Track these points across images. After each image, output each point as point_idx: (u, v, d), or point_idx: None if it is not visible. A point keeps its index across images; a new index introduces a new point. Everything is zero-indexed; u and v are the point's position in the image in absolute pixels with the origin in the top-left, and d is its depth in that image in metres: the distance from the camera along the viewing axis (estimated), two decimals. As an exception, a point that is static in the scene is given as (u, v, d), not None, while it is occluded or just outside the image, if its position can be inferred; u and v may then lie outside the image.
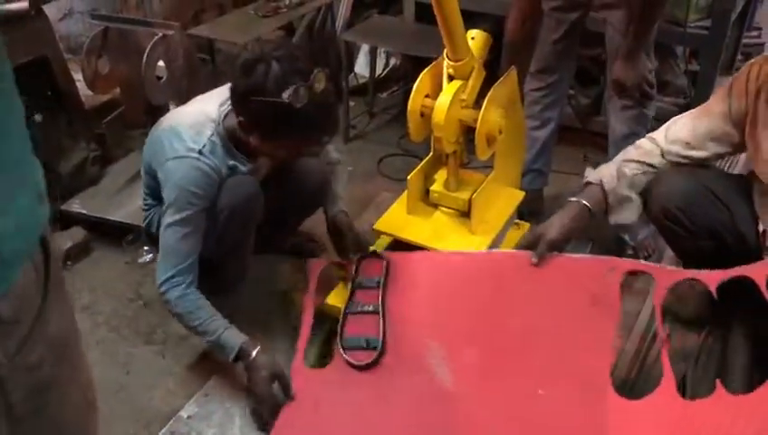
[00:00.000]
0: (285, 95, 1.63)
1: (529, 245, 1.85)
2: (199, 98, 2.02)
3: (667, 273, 1.62)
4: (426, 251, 1.95)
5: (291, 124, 1.70)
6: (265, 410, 1.79)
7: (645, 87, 2.41)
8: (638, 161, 1.87)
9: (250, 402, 1.84)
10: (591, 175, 1.90)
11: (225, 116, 1.89)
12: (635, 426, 1.59)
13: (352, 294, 1.95)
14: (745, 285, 1.87)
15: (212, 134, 1.87)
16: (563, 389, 1.65)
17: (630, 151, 1.92)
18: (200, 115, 1.90)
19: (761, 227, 1.83)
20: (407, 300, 1.88)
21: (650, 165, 1.85)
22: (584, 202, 1.84)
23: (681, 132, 1.84)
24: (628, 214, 1.87)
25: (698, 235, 1.88)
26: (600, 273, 1.62)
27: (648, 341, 2.04)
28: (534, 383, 1.68)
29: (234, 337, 1.80)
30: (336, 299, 2.02)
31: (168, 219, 1.84)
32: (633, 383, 1.89)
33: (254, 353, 1.79)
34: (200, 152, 1.84)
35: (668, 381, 1.60)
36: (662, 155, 1.84)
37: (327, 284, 2.09)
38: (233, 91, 1.78)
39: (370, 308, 1.90)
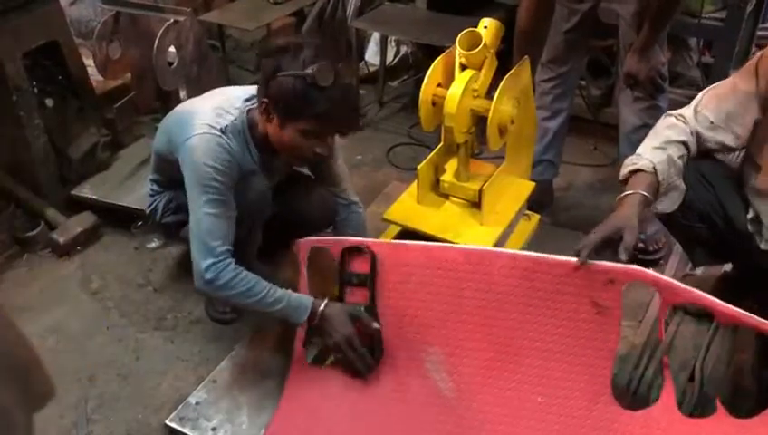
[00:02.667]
0: (311, 69, 1.67)
1: (598, 249, 1.56)
2: (219, 90, 2.00)
3: (671, 290, 1.50)
4: (417, 243, 1.80)
5: (313, 101, 1.69)
6: (355, 350, 1.78)
7: (657, 80, 2.39)
8: (678, 142, 1.72)
9: (335, 354, 1.83)
10: (640, 161, 1.67)
11: (250, 111, 1.87)
12: None
13: (340, 291, 1.86)
14: (750, 279, 1.87)
15: (235, 119, 1.84)
16: (563, 398, 1.64)
17: (666, 132, 1.76)
18: (224, 102, 1.88)
19: (750, 214, 1.82)
20: (399, 298, 1.78)
21: (687, 147, 1.73)
22: (645, 193, 1.62)
23: (707, 110, 1.76)
24: (672, 202, 1.73)
25: (690, 218, 1.86)
26: (601, 281, 1.53)
27: (658, 333, 2.04)
28: (534, 391, 1.66)
29: (302, 297, 1.80)
30: None
31: (195, 203, 1.77)
32: (640, 378, 1.90)
33: (322, 306, 1.78)
34: (222, 131, 1.80)
35: (669, 395, 1.58)
36: (691, 133, 1.75)
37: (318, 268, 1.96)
38: (261, 72, 1.78)
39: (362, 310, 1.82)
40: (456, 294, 1.70)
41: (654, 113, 2.48)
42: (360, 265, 1.81)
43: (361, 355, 1.79)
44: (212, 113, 1.84)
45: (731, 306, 1.44)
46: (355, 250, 1.81)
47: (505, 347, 1.67)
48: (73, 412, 1.91)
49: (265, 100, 1.76)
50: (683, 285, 1.49)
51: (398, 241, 1.86)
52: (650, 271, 1.53)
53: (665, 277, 1.52)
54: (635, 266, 1.51)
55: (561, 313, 1.60)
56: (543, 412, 1.64)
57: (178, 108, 1.99)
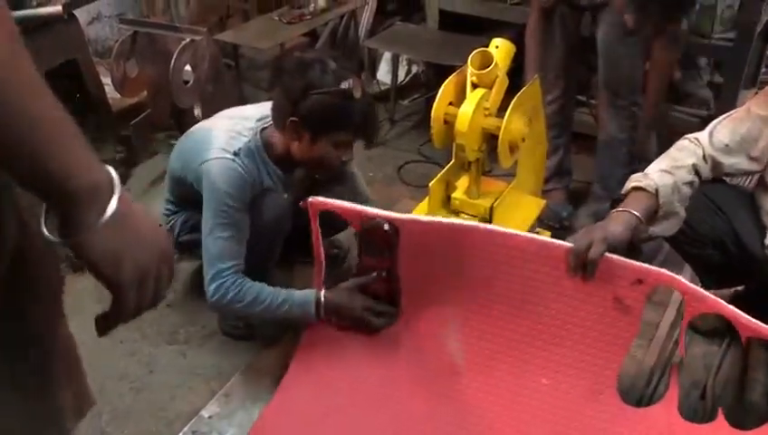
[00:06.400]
0: (344, 85, 1.75)
1: (583, 249, 1.56)
2: (231, 111, 2.05)
3: (699, 299, 1.50)
4: (441, 220, 1.76)
5: (348, 114, 1.79)
6: (376, 315, 1.85)
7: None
8: (687, 166, 1.72)
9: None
10: (644, 180, 1.67)
11: (263, 129, 1.93)
12: (627, 433, 1.60)
13: (359, 258, 1.88)
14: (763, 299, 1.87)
15: (249, 141, 1.89)
16: (568, 383, 1.66)
17: (676, 154, 1.76)
18: (237, 124, 1.93)
19: (767, 239, 1.82)
20: (421, 266, 1.78)
21: (697, 172, 1.73)
22: (638, 215, 1.60)
23: (722, 134, 1.76)
24: (670, 228, 1.72)
25: (702, 244, 1.87)
26: (629, 279, 1.55)
27: (668, 353, 2.04)
28: (541, 372, 1.68)
29: (305, 295, 1.85)
30: None
31: (207, 225, 1.84)
32: (651, 396, 1.89)
33: (321, 297, 1.84)
34: (235, 154, 1.86)
35: (672, 397, 1.60)
36: (704, 158, 1.75)
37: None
38: (287, 93, 1.82)
39: (383, 274, 1.84)
40: (479, 273, 1.71)
41: (633, 121, 2.56)
42: (378, 239, 1.80)
43: (384, 314, 1.85)
44: (226, 136, 1.89)
45: (753, 320, 1.45)
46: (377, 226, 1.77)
47: (520, 326, 1.70)
48: (87, 425, 1.92)
49: (294, 118, 1.80)
50: (710, 295, 1.50)
51: (422, 217, 1.83)
52: (681, 278, 1.53)
53: (693, 286, 1.52)
54: (667, 272, 1.53)
55: (581, 303, 1.62)
56: (546, 394, 1.67)
57: (194, 130, 2.04)
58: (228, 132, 1.90)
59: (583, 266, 1.56)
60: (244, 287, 1.82)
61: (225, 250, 1.83)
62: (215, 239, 1.83)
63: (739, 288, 2.10)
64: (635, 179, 1.69)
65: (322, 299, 1.84)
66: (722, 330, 2.02)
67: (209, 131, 1.94)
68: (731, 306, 1.48)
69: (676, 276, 1.53)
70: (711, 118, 1.89)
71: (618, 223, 1.59)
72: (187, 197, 1.94)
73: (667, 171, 1.69)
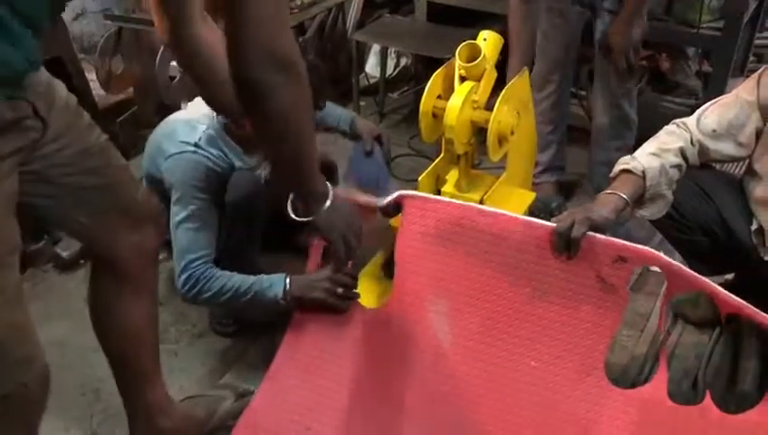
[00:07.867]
0: None
1: (566, 229, 1.57)
2: (193, 102, 2.06)
3: (680, 276, 1.53)
4: (442, 199, 1.78)
5: None
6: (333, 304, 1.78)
7: (631, 56, 2.42)
8: (675, 150, 1.73)
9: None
10: (632, 163, 1.69)
11: None
12: (614, 415, 1.61)
13: None
14: (751, 288, 1.88)
15: (207, 127, 1.89)
16: (556, 365, 1.66)
17: (665, 138, 1.78)
18: (194, 113, 1.94)
19: (753, 226, 1.82)
20: (418, 247, 1.77)
21: (684, 156, 1.75)
22: (626, 197, 1.63)
23: (710, 119, 1.77)
24: (657, 211, 1.74)
25: (690, 230, 1.88)
26: (611, 256, 1.55)
27: (659, 343, 2.05)
28: (529, 355, 1.68)
29: (272, 279, 1.81)
30: None
31: (176, 218, 1.85)
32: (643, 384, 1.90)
33: (287, 283, 1.79)
34: (196, 145, 1.86)
35: (660, 381, 1.61)
36: (692, 142, 1.76)
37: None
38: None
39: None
40: (471, 252, 1.71)
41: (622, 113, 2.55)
42: None
43: (347, 298, 1.79)
44: (186, 127, 1.90)
45: (733, 296, 1.47)
46: None
47: (508, 309, 1.70)
48: (78, 426, 1.91)
49: None
50: (692, 272, 1.50)
51: (425, 194, 1.83)
52: (661, 254, 1.54)
53: (676, 263, 1.53)
54: (648, 248, 1.53)
55: (567, 284, 1.62)
56: (534, 376, 1.67)
57: (160, 125, 2.03)
58: (187, 123, 1.91)
59: (567, 246, 1.57)
60: (213, 276, 1.81)
61: (195, 241, 1.83)
62: (184, 231, 1.83)
63: (729, 277, 2.12)
64: (623, 162, 1.71)
65: (287, 283, 1.81)
66: (713, 319, 2.03)
67: (172, 124, 1.95)
68: (711, 282, 1.49)
69: (657, 253, 1.53)
70: (699, 107, 1.89)
71: (604, 205, 1.61)
72: (163, 193, 1.93)
73: (655, 154, 1.71)
